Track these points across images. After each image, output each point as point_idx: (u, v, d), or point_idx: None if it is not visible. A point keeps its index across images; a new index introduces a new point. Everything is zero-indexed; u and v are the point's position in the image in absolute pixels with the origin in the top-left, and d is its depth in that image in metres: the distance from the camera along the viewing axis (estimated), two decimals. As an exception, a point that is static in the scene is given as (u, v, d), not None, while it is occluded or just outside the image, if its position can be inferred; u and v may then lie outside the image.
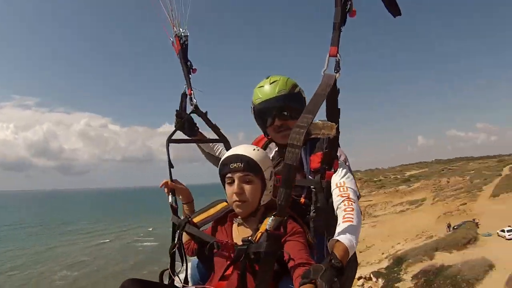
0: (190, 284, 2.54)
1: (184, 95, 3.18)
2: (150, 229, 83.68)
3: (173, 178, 2.83)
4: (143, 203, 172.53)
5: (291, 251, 2.06)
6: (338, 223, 2.06)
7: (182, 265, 2.57)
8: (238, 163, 2.24)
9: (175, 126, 3.10)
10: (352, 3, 1.83)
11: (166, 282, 2.48)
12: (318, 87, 1.81)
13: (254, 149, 2.32)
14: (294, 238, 2.16)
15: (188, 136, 3.23)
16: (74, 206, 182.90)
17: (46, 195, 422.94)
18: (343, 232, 1.94)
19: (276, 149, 2.94)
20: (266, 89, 2.71)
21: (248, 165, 2.23)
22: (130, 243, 70.13)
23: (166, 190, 2.76)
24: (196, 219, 2.55)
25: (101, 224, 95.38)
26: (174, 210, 2.73)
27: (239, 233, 2.39)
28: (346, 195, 2.21)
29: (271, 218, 1.85)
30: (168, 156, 2.84)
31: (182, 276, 2.50)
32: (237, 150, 2.32)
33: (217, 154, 3.35)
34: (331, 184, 2.33)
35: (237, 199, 2.25)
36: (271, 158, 2.70)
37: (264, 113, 2.73)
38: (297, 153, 1.69)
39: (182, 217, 2.62)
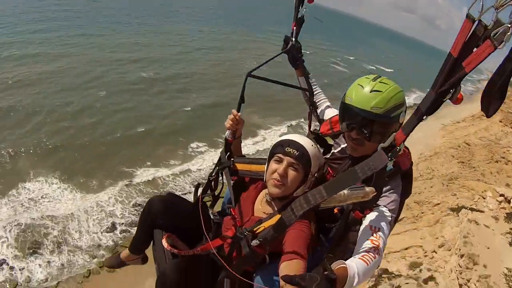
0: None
1: (300, 21, 3.08)
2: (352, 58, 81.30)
3: None
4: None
5: (288, 238, 2.26)
6: (354, 256, 2.03)
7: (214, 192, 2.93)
8: (294, 150, 2.42)
9: (281, 49, 3.11)
10: None
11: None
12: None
13: (312, 145, 2.51)
14: (296, 226, 2.28)
15: (290, 63, 3.22)
16: None
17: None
18: (353, 264, 1.89)
19: (345, 145, 2.75)
20: (362, 94, 2.34)
21: (302, 156, 2.41)
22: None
23: (230, 123, 2.79)
24: (238, 166, 2.81)
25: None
26: (227, 145, 2.91)
27: (261, 206, 2.64)
28: (377, 244, 2.06)
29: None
30: (243, 90, 2.80)
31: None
32: (297, 138, 2.50)
33: (315, 93, 3.30)
34: (365, 219, 2.19)
35: (278, 178, 2.41)
36: (337, 151, 2.82)
37: (346, 117, 2.44)
38: (292, 219, 1.89)
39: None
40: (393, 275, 11.36)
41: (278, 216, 2.23)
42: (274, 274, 2.31)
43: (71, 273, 17.95)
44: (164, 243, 2.63)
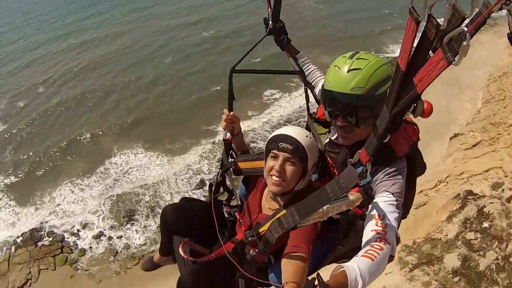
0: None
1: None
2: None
3: None
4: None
5: (292, 233, 2.22)
6: (357, 255, 1.88)
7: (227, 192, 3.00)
8: (287, 145, 2.34)
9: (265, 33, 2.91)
10: None
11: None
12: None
13: (307, 136, 2.41)
14: None
15: (278, 45, 3.00)
16: None
17: None
18: (354, 265, 1.75)
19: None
20: (339, 76, 2.11)
21: (297, 150, 2.34)
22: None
23: (225, 123, 2.76)
24: (241, 165, 2.78)
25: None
26: (227, 145, 2.89)
27: (266, 202, 2.67)
28: (382, 234, 1.90)
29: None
30: (231, 87, 2.74)
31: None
32: (290, 131, 2.40)
33: (307, 73, 3.06)
34: (367, 212, 2.05)
35: (276, 175, 2.37)
36: (334, 138, 2.64)
37: (327, 104, 2.24)
38: (270, 244, 1.97)
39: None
40: (478, 196, 10.78)
41: (279, 215, 2.23)
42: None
43: None
44: (181, 251, 2.71)
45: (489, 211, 9.34)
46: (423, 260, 9.03)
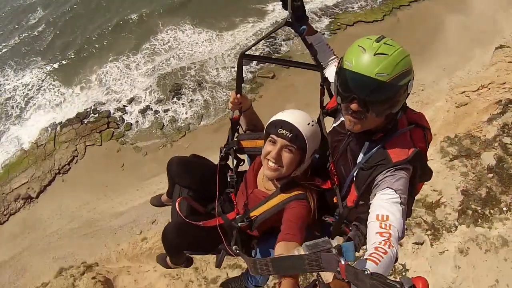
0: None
1: None
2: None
3: None
4: None
5: (286, 218, 2.24)
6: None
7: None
8: (287, 132, 2.22)
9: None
10: None
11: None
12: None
13: (308, 123, 2.28)
14: (295, 206, 2.27)
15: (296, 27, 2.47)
16: None
17: None
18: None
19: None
20: (364, 59, 1.90)
21: (296, 138, 2.22)
22: None
23: (231, 105, 2.69)
24: (244, 143, 2.74)
25: None
26: (233, 124, 2.83)
27: (262, 180, 2.60)
28: (387, 236, 1.77)
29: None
30: (240, 71, 2.63)
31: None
32: (292, 117, 2.27)
33: (325, 67, 2.74)
34: (371, 209, 1.93)
35: (272, 160, 2.27)
36: (336, 125, 2.49)
37: (346, 87, 1.99)
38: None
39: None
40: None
41: (274, 202, 2.35)
42: (272, 248, 2.34)
43: (216, 109, 17.12)
44: (176, 206, 2.72)
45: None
46: (462, 153, 9.68)
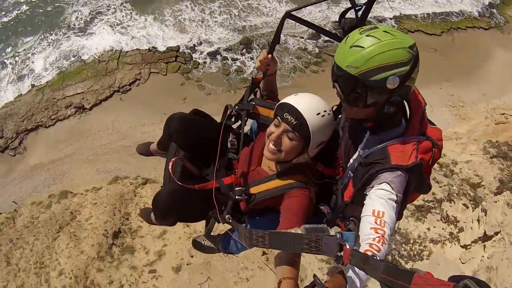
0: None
1: None
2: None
3: None
4: None
5: (286, 207, 2.23)
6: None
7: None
8: (292, 118, 2.11)
9: None
10: None
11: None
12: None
13: (318, 113, 2.14)
14: (296, 194, 2.24)
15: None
16: None
17: None
18: (353, 266, 1.69)
19: None
20: (342, 50, 1.89)
21: (300, 127, 2.11)
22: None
23: (259, 64, 2.53)
24: (260, 110, 2.61)
25: None
26: (254, 85, 2.70)
27: (267, 160, 2.48)
28: (382, 233, 1.78)
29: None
30: (279, 30, 2.44)
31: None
32: (300, 104, 2.13)
33: None
34: (367, 201, 1.92)
35: (273, 143, 2.21)
36: None
37: (332, 74, 1.96)
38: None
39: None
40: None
41: (274, 183, 2.31)
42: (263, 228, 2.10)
43: (281, 75, 17.43)
44: (170, 167, 2.57)
45: None
46: (500, 155, 12.68)
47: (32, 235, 11.90)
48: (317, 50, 18.31)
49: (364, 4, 2.35)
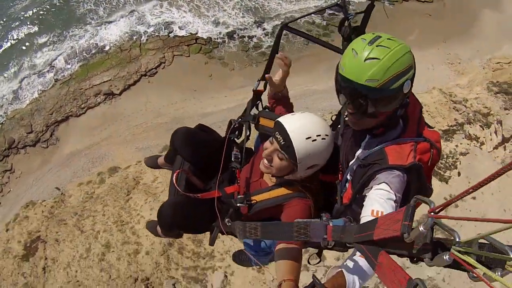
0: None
1: None
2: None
3: None
4: None
5: (284, 216, 2.29)
6: (353, 254, 1.89)
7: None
8: (281, 139, 2.12)
9: None
10: None
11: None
12: None
13: (308, 138, 2.09)
14: (296, 205, 2.27)
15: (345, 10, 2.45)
16: None
17: None
18: (352, 266, 1.82)
19: None
20: (355, 64, 1.81)
21: (287, 149, 2.11)
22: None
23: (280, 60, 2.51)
24: (262, 121, 2.63)
25: None
26: (256, 96, 2.73)
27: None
28: None
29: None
30: (277, 41, 2.55)
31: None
32: (292, 125, 2.11)
33: None
34: (366, 202, 1.92)
35: (265, 161, 2.26)
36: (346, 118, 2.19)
37: (341, 91, 1.96)
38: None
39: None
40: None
41: (275, 193, 2.36)
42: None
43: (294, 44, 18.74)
44: (174, 178, 2.72)
45: None
46: (502, 92, 15.16)
47: (98, 204, 12.58)
48: (324, 23, 19.66)
49: (358, 13, 2.50)
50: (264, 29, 19.16)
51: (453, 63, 19.33)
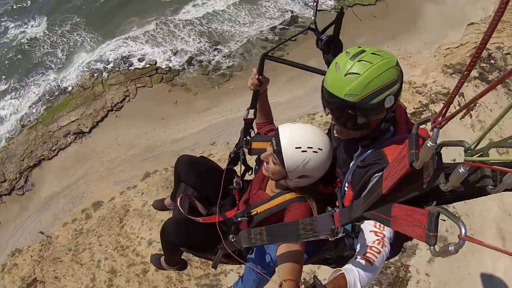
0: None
1: None
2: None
3: None
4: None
5: (286, 219, 2.31)
6: (355, 256, 1.85)
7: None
8: (274, 143, 2.21)
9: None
10: None
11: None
12: None
13: (298, 147, 2.15)
14: (295, 206, 2.31)
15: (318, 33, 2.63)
16: None
17: None
18: (353, 268, 1.75)
19: None
20: (336, 78, 1.89)
21: (278, 155, 2.18)
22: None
23: (251, 82, 2.70)
24: (254, 145, 2.77)
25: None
26: (247, 125, 2.87)
27: (270, 184, 2.65)
28: (381, 236, 1.84)
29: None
30: (261, 71, 2.69)
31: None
32: (286, 133, 2.19)
33: None
34: None
35: (265, 163, 2.35)
36: None
37: (324, 103, 2.05)
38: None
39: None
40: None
41: (275, 201, 2.41)
42: (267, 252, 2.68)
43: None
44: (178, 202, 2.83)
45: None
46: (457, 72, 15.44)
47: (92, 237, 12.81)
48: (276, 38, 20.74)
49: (328, 26, 2.62)
50: (220, 51, 20.03)
51: (404, 57, 20.67)
